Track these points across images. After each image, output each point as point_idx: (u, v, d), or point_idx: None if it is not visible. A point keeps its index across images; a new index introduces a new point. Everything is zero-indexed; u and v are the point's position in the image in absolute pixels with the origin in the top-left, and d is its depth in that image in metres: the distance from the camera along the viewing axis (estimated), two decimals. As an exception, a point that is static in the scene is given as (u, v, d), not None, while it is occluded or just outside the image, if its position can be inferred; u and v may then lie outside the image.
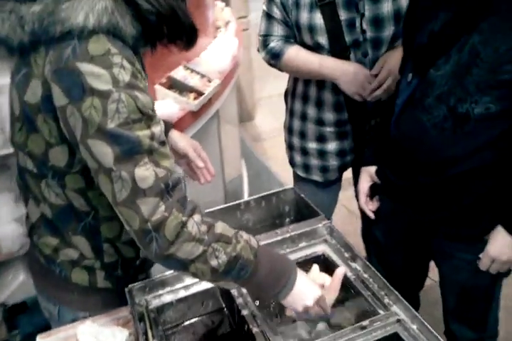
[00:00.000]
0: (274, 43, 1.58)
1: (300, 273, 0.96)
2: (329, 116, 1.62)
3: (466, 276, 1.34)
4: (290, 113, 1.76)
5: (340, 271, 1.01)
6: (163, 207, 0.81)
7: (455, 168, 1.17)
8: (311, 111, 1.66)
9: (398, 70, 1.34)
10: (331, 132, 1.65)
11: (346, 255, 1.21)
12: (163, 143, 0.84)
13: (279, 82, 4.51)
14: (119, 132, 0.78)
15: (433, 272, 1.58)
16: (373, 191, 1.45)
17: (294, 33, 1.56)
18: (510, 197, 1.16)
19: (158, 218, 0.80)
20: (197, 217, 0.85)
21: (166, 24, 0.86)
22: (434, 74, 1.12)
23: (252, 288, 0.94)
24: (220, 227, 0.89)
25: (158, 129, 0.83)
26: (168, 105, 1.71)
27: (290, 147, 1.82)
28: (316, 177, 1.76)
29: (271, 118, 3.95)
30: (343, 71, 1.47)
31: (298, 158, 1.79)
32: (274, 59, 1.59)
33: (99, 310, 1.09)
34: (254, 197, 1.42)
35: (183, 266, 0.85)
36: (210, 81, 1.91)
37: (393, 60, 1.43)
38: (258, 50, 1.66)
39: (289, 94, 1.76)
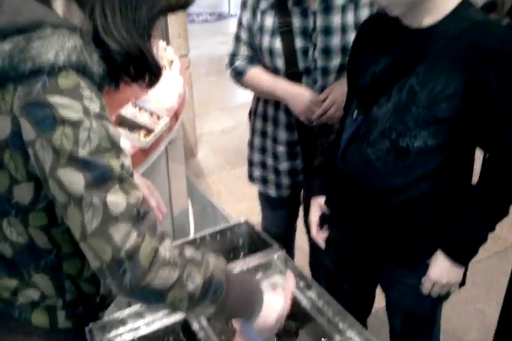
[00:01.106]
0: (239, 62, 1.74)
1: (265, 288, 1.00)
2: (282, 135, 1.77)
3: (411, 301, 1.42)
4: (252, 131, 1.90)
5: (290, 281, 1.07)
6: (136, 234, 0.80)
7: (397, 198, 1.27)
8: (270, 130, 1.80)
9: (343, 106, 1.46)
10: (283, 152, 1.79)
11: (301, 284, 1.27)
12: (131, 175, 0.85)
13: (219, 118, 4.65)
14: (91, 159, 0.78)
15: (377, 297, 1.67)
16: (323, 220, 1.53)
17: (258, 55, 1.71)
18: (447, 224, 1.27)
19: (132, 245, 0.80)
20: (167, 242, 0.85)
21: (132, 64, 0.88)
22: (377, 111, 1.23)
23: (228, 311, 0.95)
24: (189, 251, 0.90)
25: (127, 161, 0.85)
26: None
27: (250, 163, 1.95)
28: (271, 191, 1.90)
29: (212, 154, 4.02)
30: (293, 93, 1.62)
31: (257, 173, 1.92)
32: (238, 76, 1.75)
33: (59, 352, 1.07)
34: (210, 231, 1.45)
35: (161, 296, 0.84)
36: (159, 118, 1.95)
37: (339, 90, 1.59)
38: (226, 67, 1.81)
39: (252, 114, 1.89)
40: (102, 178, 0.79)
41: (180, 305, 0.86)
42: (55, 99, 0.77)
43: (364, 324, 1.71)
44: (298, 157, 1.79)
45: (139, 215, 0.82)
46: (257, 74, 1.71)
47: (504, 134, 1.15)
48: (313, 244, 2.14)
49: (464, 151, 1.25)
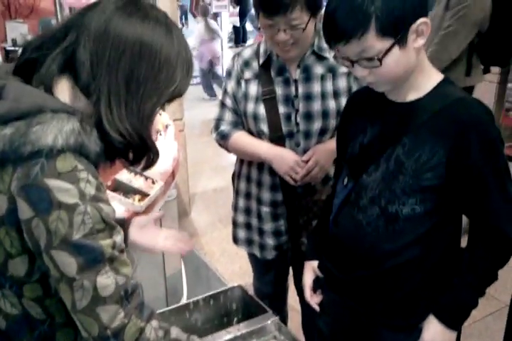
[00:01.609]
0: (224, 127, 1.82)
1: None
2: (267, 196, 1.81)
3: None
4: (236, 192, 1.94)
5: None
6: (123, 314, 0.84)
7: (389, 262, 1.29)
8: (254, 191, 1.84)
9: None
10: (268, 212, 1.82)
11: (295, 350, 1.27)
12: (122, 251, 0.89)
13: (212, 177, 4.71)
14: (84, 243, 0.82)
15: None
16: (316, 284, 1.54)
17: (242, 121, 1.80)
18: (438, 288, 1.29)
19: (118, 325, 0.83)
20: (154, 323, 0.89)
21: (132, 150, 0.92)
22: (366, 179, 1.28)
23: None
24: (175, 333, 0.93)
25: (119, 238, 0.88)
26: (113, 207, 1.76)
27: (234, 224, 1.97)
28: (257, 252, 1.92)
29: (206, 213, 4.05)
30: (277, 155, 1.69)
31: (242, 234, 1.94)
32: (223, 140, 1.82)
33: None
34: (203, 296, 1.46)
35: None
36: (154, 182, 1.99)
37: (321, 152, 1.68)
38: (211, 132, 1.89)
39: (236, 176, 1.94)
40: (93, 261, 0.83)
41: None
42: (53, 183, 0.81)
43: None
44: (282, 217, 1.83)
45: (126, 294, 0.86)
46: (241, 137, 1.79)
47: (490, 199, 1.21)
48: (305, 307, 2.13)
49: (452, 217, 1.29)
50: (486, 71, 3.18)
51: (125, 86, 0.87)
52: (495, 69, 3.76)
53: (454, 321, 1.29)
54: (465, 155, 1.17)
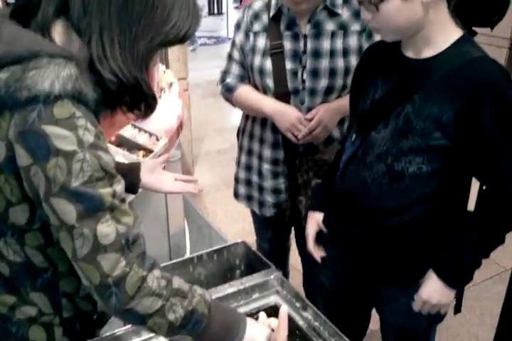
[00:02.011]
0: (230, 80, 1.80)
1: (249, 320, 1.01)
2: (268, 153, 1.81)
3: (404, 319, 1.43)
4: (240, 148, 1.95)
5: (283, 309, 1.06)
6: (124, 263, 0.84)
7: (392, 220, 1.29)
8: (256, 147, 1.85)
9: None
10: (268, 170, 1.83)
11: (297, 305, 1.28)
12: (123, 201, 0.88)
13: (216, 139, 4.69)
14: (83, 190, 0.81)
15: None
16: (319, 239, 1.54)
17: (249, 75, 1.78)
18: (441, 246, 1.29)
19: (119, 273, 0.84)
20: (156, 272, 0.89)
21: (128, 94, 0.90)
22: (374, 136, 1.27)
23: (208, 340, 0.97)
24: (177, 282, 0.93)
25: (119, 187, 0.87)
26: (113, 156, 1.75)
27: (236, 180, 1.99)
28: (256, 209, 1.94)
29: (209, 174, 4.05)
30: (279, 110, 1.67)
31: (242, 190, 1.96)
32: (227, 93, 1.81)
33: (56, 369, 1.07)
34: (207, 251, 1.46)
35: (141, 320, 0.88)
36: (158, 139, 1.98)
37: (325, 112, 1.65)
38: (217, 84, 1.88)
39: (240, 132, 1.94)
40: (93, 209, 0.82)
41: (158, 331, 0.91)
42: (50, 129, 0.79)
43: None
44: (282, 176, 1.83)
45: (127, 243, 0.86)
46: (246, 91, 1.77)
47: (499, 162, 1.19)
48: (306, 266, 2.15)
49: (460, 178, 1.27)
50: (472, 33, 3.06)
51: (118, 22, 0.84)
52: (506, 34, 3.66)
53: (454, 279, 1.29)
54: (475, 115, 1.13)
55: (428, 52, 1.20)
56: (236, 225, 3.25)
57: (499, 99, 1.13)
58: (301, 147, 1.74)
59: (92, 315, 1.08)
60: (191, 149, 3.92)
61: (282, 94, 1.69)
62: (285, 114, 1.66)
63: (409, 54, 1.23)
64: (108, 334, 1.14)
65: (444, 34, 1.18)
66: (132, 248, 0.86)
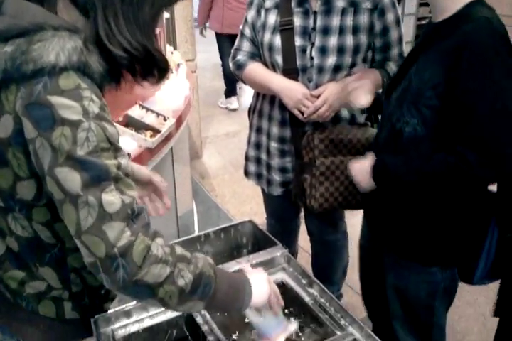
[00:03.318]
0: (241, 57, 1.81)
1: (249, 276, 1.04)
2: (276, 131, 1.82)
3: (408, 283, 1.46)
4: (250, 126, 1.96)
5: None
6: (129, 233, 0.83)
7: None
8: (264, 125, 1.86)
9: (338, 107, 1.59)
10: (276, 148, 1.84)
11: (303, 281, 1.29)
12: (127, 175, 0.88)
13: (224, 121, 4.69)
14: (88, 159, 0.81)
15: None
16: None
17: (259, 52, 1.78)
18: (433, 215, 1.34)
19: (125, 243, 0.82)
20: (159, 240, 0.88)
21: (139, 64, 0.90)
22: (393, 97, 1.34)
23: (217, 305, 0.97)
24: (179, 249, 0.93)
25: (124, 161, 0.87)
26: (125, 142, 1.76)
27: (246, 158, 2.01)
28: (264, 187, 1.97)
29: (217, 156, 4.05)
30: (286, 87, 1.68)
31: (252, 168, 1.98)
32: (238, 70, 1.82)
33: (65, 342, 1.09)
34: (214, 229, 1.47)
35: (151, 291, 0.87)
36: (165, 119, 1.98)
37: (332, 90, 1.65)
38: (228, 61, 1.89)
39: (251, 110, 1.95)
40: (98, 178, 0.81)
41: (170, 301, 0.89)
42: (55, 100, 0.79)
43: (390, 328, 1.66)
44: (289, 154, 1.83)
45: (133, 214, 0.85)
46: (255, 68, 1.78)
47: (472, 125, 1.16)
48: (315, 244, 2.18)
49: (451, 147, 1.26)
50: None
51: None
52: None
53: (380, 176, 1.35)
54: (457, 74, 1.14)
55: (441, 17, 1.24)
56: (244, 207, 3.26)
57: (475, 56, 1.13)
58: (309, 126, 1.73)
59: (100, 290, 1.09)
60: (199, 131, 3.93)
61: (291, 71, 1.69)
62: (292, 90, 1.66)
63: (433, 19, 1.29)
64: (117, 309, 1.16)
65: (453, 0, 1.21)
66: (137, 219, 0.86)
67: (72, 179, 0.81)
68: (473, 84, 1.13)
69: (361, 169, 1.40)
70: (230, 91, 5.01)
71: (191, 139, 3.69)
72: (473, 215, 1.32)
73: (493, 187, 1.33)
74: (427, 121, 1.22)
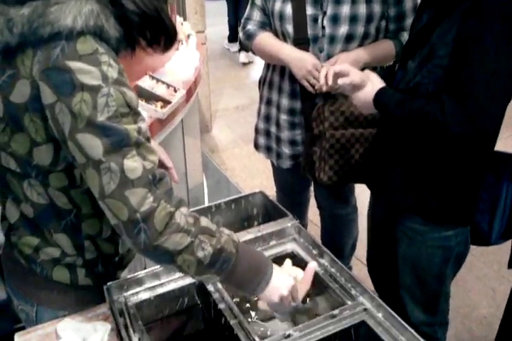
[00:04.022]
0: (251, 26, 1.79)
1: (275, 267, 1.02)
2: (285, 103, 1.80)
3: (418, 251, 1.46)
4: (260, 98, 1.94)
5: (313, 264, 1.08)
6: (152, 198, 0.84)
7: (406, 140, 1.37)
8: (274, 97, 1.84)
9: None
10: (285, 120, 1.82)
11: (314, 252, 1.29)
12: (148, 139, 0.88)
13: (234, 95, 4.64)
14: (109, 125, 0.80)
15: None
16: None
17: (270, 21, 1.75)
18: (441, 174, 1.34)
19: (147, 209, 0.83)
20: (184, 209, 0.89)
21: (149, 25, 0.89)
22: (410, 64, 1.31)
23: (232, 282, 0.98)
24: (205, 221, 0.93)
25: (144, 125, 0.87)
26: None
27: (256, 130, 2.00)
28: (274, 160, 1.96)
29: (227, 130, 4.04)
30: (296, 57, 1.65)
31: (262, 141, 1.97)
32: (248, 39, 1.80)
33: (78, 308, 1.10)
34: (225, 200, 1.47)
35: (170, 258, 0.88)
36: (175, 90, 1.96)
37: (344, 61, 1.60)
38: (239, 30, 1.89)
39: (261, 82, 1.93)
40: (119, 144, 0.82)
41: (187, 270, 0.90)
42: (74, 65, 0.78)
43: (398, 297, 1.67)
44: (299, 127, 1.81)
45: (154, 180, 0.85)
46: (265, 38, 1.75)
47: (462, 76, 1.17)
48: (325, 217, 2.17)
49: None
50: None
51: None
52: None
53: (380, 102, 1.33)
54: (465, 33, 1.16)
55: None
56: (254, 180, 3.26)
57: (484, 19, 1.13)
58: (319, 97, 1.71)
59: (114, 257, 1.10)
60: (209, 105, 3.90)
61: (301, 41, 1.66)
62: (302, 60, 1.63)
63: None
64: (129, 276, 1.17)
65: None
66: (159, 185, 0.86)
67: (93, 145, 0.81)
68: (476, 43, 1.14)
69: (363, 97, 1.36)
70: (232, 38, 5.51)
71: (201, 113, 3.66)
72: (485, 171, 1.35)
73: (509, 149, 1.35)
74: (438, 80, 1.23)
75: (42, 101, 0.82)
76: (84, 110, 0.79)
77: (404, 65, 1.35)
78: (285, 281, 1.00)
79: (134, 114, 0.85)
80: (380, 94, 1.33)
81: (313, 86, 1.63)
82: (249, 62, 5.35)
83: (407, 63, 1.33)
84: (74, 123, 0.80)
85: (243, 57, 5.37)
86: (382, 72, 1.70)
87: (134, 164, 0.83)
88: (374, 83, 1.35)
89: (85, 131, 0.80)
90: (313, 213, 2.36)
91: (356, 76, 1.36)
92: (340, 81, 1.36)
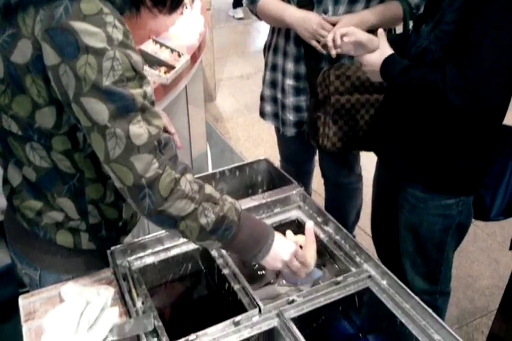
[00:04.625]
0: None
1: (277, 234, 1.01)
2: (291, 67, 1.75)
3: (419, 218, 1.46)
4: (265, 65, 1.90)
5: (310, 224, 1.07)
6: (157, 165, 0.83)
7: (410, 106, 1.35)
8: (280, 62, 1.80)
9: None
10: (290, 85, 1.78)
11: (319, 219, 1.28)
12: (153, 104, 0.86)
13: (239, 63, 4.57)
14: (114, 89, 0.78)
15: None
16: None
17: None
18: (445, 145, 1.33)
19: (152, 175, 0.82)
20: (189, 176, 0.88)
21: None
22: (423, 29, 1.29)
23: (233, 249, 0.98)
24: (209, 188, 0.92)
25: (149, 89, 0.85)
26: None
27: (262, 98, 1.96)
28: (279, 127, 1.93)
29: (231, 99, 3.99)
30: (300, 18, 1.61)
31: (268, 108, 1.94)
32: (251, 4, 1.76)
33: (82, 272, 1.10)
34: (229, 167, 1.45)
35: (174, 223, 0.88)
36: (179, 55, 1.91)
37: (348, 22, 1.55)
38: None
39: (266, 48, 1.88)
40: (125, 109, 0.80)
41: (190, 235, 0.91)
42: (79, 25, 0.75)
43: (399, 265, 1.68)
44: (303, 93, 1.77)
45: (160, 145, 0.84)
46: (268, 1, 1.70)
47: (467, 45, 1.16)
48: (329, 187, 2.15)
49: None
50: None
51: None
52: None
53: (386, 69, 1.30)
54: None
55: None
56: (258, 149, 3.24)
57: None
58: (325, 61, 1.66)
59: (117, 223, 1.09)
60: (213, 73, 3.84)
61: (305, 3, 1.61)
62: (306, 20, 1.58)
63: None
64: (133, 241, 1.16)
65: None
66: (164, 151, 0.85)
67: (98, 110, 0.79)
68: (482, 12, 1.12)
69: (373, 60, 1.33)
70: (237, 3, 5.48)
71: (205, 81, 3.61)
72: (490, 143, 1.33)
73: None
74: (444, 46, 1.21)
75: (44, 62, 0.80)
76: (90, 74, 0.77)
77: (418, 30, 1.32)
78: (286, 247, 1.00)
79: (140, 78, 0.82)
80: (386, 63, 1.30)
81: (322, 45, 1.58)
82: (243, 18, 5.52)
83: (420, 27, 1.30)
84: (79, 86, 0.78)
85: (239, 12, 5.51)
86: (396, 36, 1.65)
87: (139, 130, 0.81)
88: (383, 51, 1.31)
89: (90, 96, 0.78)
90: (317, 183, 2.34)
91: (362, 35, 1.34)
92: (346, 38, 1.35)
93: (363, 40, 1.34)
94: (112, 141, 0.81)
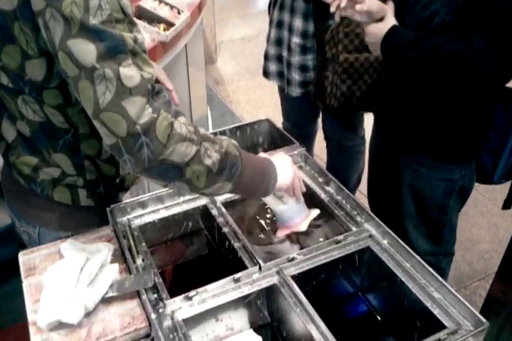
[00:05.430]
0: None
1: (271, 158, 1.03)
2: (299, 24, 1.70)
3: (421, 182, 1.45)
4: (270, 22, 1.84)
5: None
6: (150, 110, 0.78)
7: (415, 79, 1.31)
8: (286, 18, 1.74)
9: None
10: (297, 44, 1.73)
11: (320, 180, 1.26)
12: (145, 52, 0.81)
13: (240, 25, 4.46)
14: (103, 28, 0.74)
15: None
16: None
17: None
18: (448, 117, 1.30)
19: (147, 120, 0.77)
20: (182, 119, 0.83)
21: None
22: None
23: (244, 188, 0.95)
24: (202, 129, 0.88)
25: (140, 36, 0.80)
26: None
27: (266, 57, 1.90)
28: (284, 87, 1.89)
29: (232, 62, 3.91)
30: None
31: (272, 67, 1.89)
32: None
33: (81, 229, 1.10)
34: (230, 127, 1.43)
35: (179, 171, 0.83)
36: (179, 12, 1.86)
37: None
38: None
39: (271, 4, 1.82)
40: (114, 49, 0.75)
41: (197, 182, 0.85)
42: None
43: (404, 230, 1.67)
44: (311, 51, 1.73)
45: (153, 91, 0.80)
46: None
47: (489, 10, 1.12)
48: (331, 150, 2.13)
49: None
50: None
51: None
52: None
53: (386, 40, 1.27)
54: None
55: None
56: (259, 113, 3.20)
57: None
58: (333, 19, 1.61)
59: (115, 179, 1.08)
60: (214, 35, 3.75)
61: None
62: None
63: None
64: (132, 199, 1.15)
65: None
66: (157, 97, 0.81)
67: (86, 50, 0.74)
68: None
69: (375, 31, 1.29)
70: None
71: (205, 43, 3.52)
72: (494, 108, 1.31)
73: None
74: (457, 11, 1.16)
75: (32, 8, 0.76)
76: (76, 13, 0.73)
77: None
78: (284, 164, 1.03)
79: (129, 23, 0.78)
80: (389, 34, 1.26)
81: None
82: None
83: None
84: (66, 28, 0.74)
85: None
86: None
87: (130, 72, 0.76)
88: (387, 22, 1.27)
89: (77, 36, 0.74)
90: (319, 147, 2.32)
91: (373, 3, 1.27)
92: (358, 7, 1.26)
93: (373, 10, 1.27)
94: (101, 85, 0.75)
